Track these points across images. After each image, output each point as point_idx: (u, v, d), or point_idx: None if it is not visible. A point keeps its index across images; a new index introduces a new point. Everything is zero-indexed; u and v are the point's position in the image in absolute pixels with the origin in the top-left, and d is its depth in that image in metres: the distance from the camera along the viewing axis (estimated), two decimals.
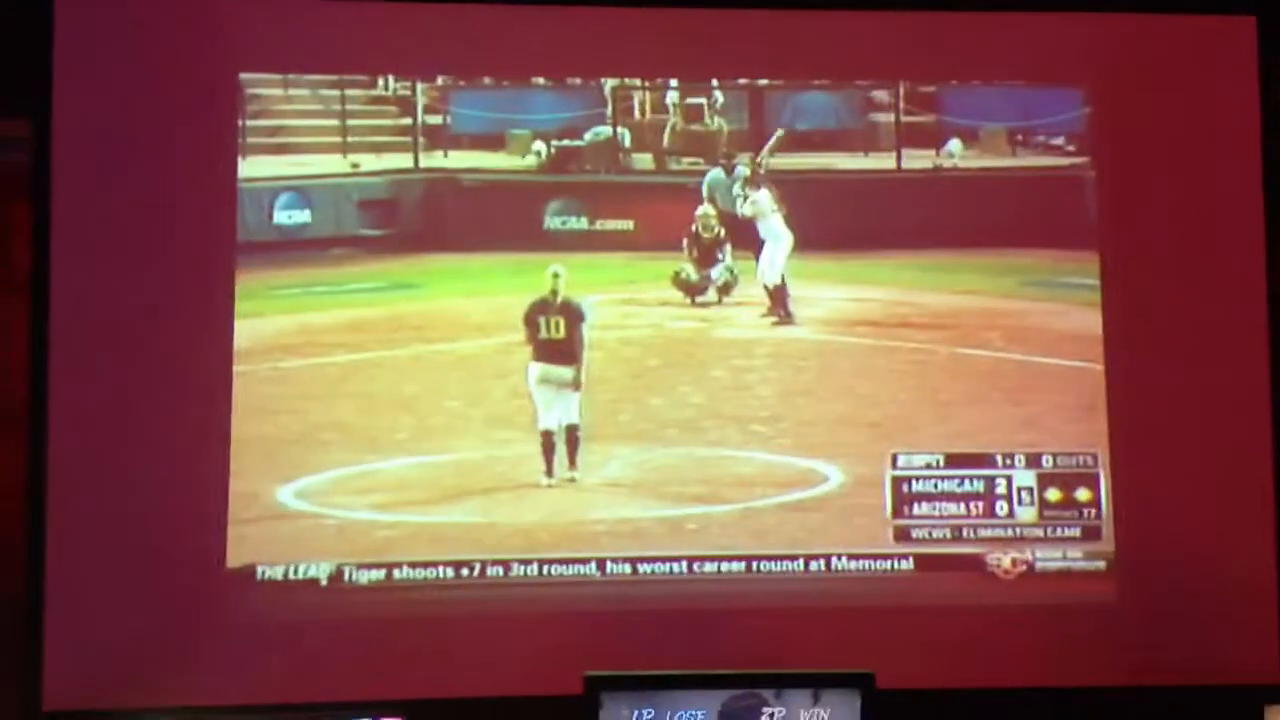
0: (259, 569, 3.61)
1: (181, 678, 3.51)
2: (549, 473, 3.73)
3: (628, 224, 3.90)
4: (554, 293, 3.79)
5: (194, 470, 3.59)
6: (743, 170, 3.91)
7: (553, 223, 3.88)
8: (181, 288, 3.63)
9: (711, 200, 3.93)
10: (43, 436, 3.53)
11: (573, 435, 3.76)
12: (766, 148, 3.90)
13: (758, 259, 3.92)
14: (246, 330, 3.66)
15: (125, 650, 3.51)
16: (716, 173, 3.93)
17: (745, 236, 3.93)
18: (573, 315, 3.79)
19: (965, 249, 3.91)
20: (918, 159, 3.93)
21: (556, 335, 3.78)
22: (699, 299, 3.92)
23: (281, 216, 3.81)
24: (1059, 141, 3.93)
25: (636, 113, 3.99)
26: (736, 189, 3.93)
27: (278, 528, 3.62)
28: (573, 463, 3.75)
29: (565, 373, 3.78)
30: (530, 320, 3.78)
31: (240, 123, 3.73)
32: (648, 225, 3.92)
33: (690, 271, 3.92)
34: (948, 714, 3.63)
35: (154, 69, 3.64)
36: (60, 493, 3.51)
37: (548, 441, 3.75)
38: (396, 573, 3.63)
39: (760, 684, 3.33)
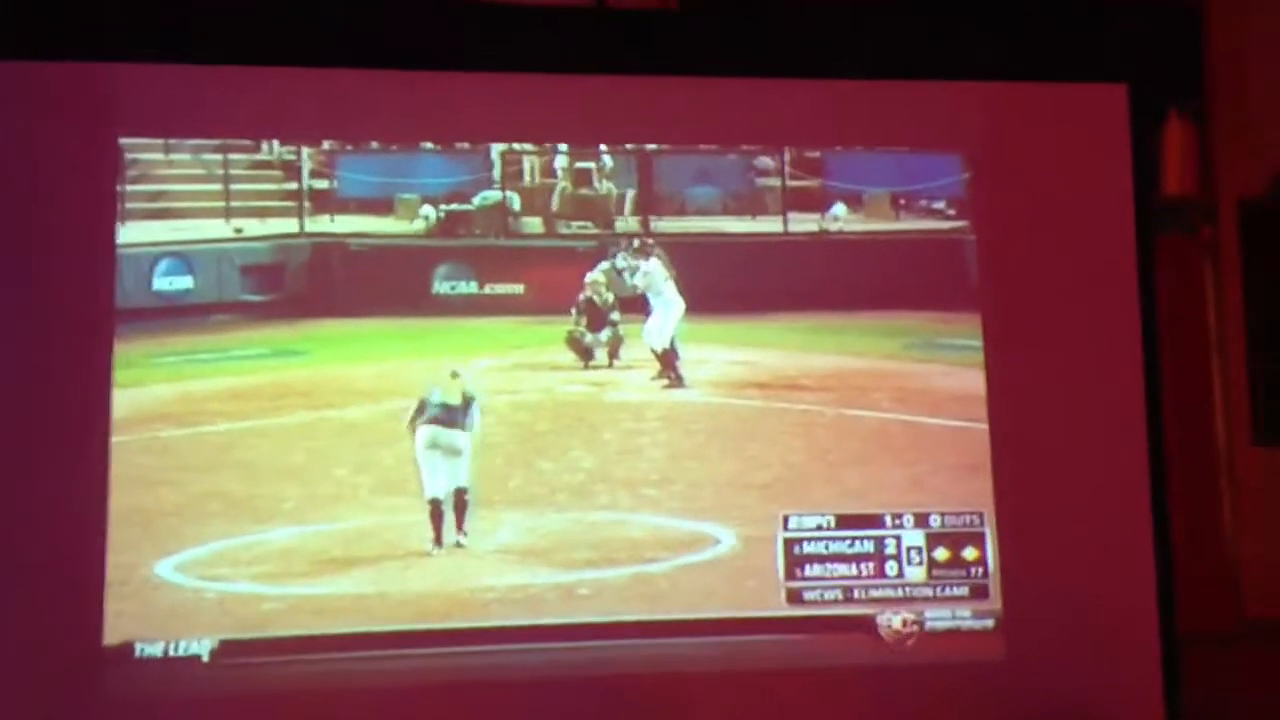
0: (137, 646, 3.50)
1: None
2: (438, 541, 3.69)
3: (518, 288, 3.89)
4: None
5: (69, 543, 3.49)
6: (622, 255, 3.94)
7: (442, 287, 3.86)
8: (59, 355, 3.54)
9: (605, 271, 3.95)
10: None
11: (461, 499, 3.72)
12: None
13: (645, 323, 3.94)
14: (125, 399, 3.58)
15: None
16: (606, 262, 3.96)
17: (636, 301, 3.94)
18: (466, 399, 3.77)
19: (851, 311, 3.96)
20: (804, 222, 3.98)
21: (451, 401, 3.75)
22: (591, 363, 3.92)
23: (162, 283, 3.74)
24: (940, 205, 4.01)
25: (525, 177, 3.99)
26: (622, 262, 3.95)
27: (157, 602, 3.52)
28: (460, 527, 3.70)
29: (456, 437, 3.74)
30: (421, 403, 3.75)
31: (120, 187, 3.66)
32: (538, 289, 3.91)
33: (584, 333, 3.93)
34: None
35: (31, 132, 3.57)
36: None
37: (435, 510, 3.70)
38: (281, 647, 3.55)
39: None
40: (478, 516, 3.70)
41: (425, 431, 3.74)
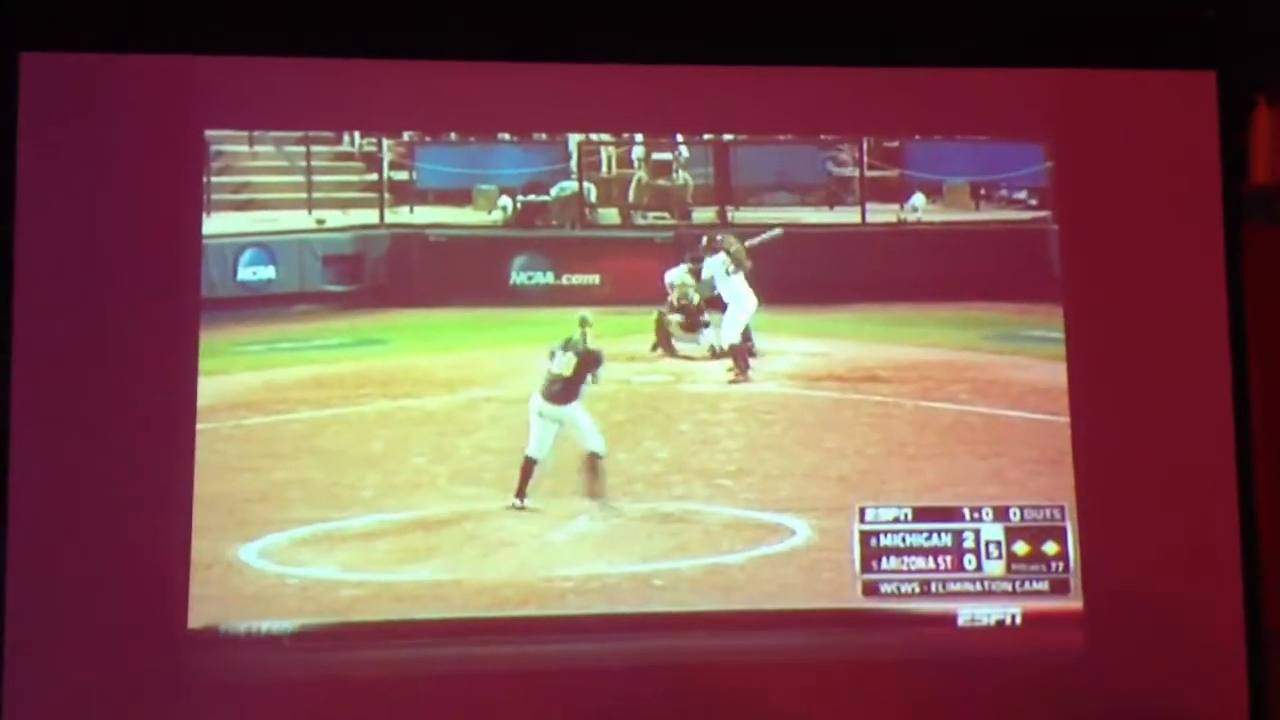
0: (221, 629, 3.57)
1: None
2: (520, 495, 3.72)
3: (594, 278, 3.91)
4: (582, 337, 3.79)
5: (155, 529, 3.55)
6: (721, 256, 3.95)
7: (519, 278, 3.89)
8: (146, 345, 3.61)
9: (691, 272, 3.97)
10: (2, 499, 3.50)
11: (594, 462, 3.74)
12: (759, 240, 3.93)
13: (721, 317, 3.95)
14: (210, 387, 3.64)
15: (87, 713, 3.47)
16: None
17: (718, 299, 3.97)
18: (586, 361, 3.79)
19: (930, 302, 3.93)
20: (882, 213, 3.96)
21: (563, 372, 3.77)
22: (676, 354, 3.95)
23: (246, 273, 3.81)
24: (1021, 195, 3.97)
25: (603, 168, 4.01)
26: (696, 264, 3.96)
27: (240, 586, 3.58)
28: (594, 492, 3.72)
29: (563, 411, 3.77)
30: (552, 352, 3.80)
31: (206, 179, 3.73)
32: (614, 280, 3.93)
33: (677, 325, 3.97)
34: None
35: (119, 126, 3.64)
36: (20, 553, 3.48)
37: (527, 467, 3.73)
38: (361, 632, 3.59)
39: None
40: (556, 504, 3.73)
41: (534, 400, 3.78)
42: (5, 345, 3.55)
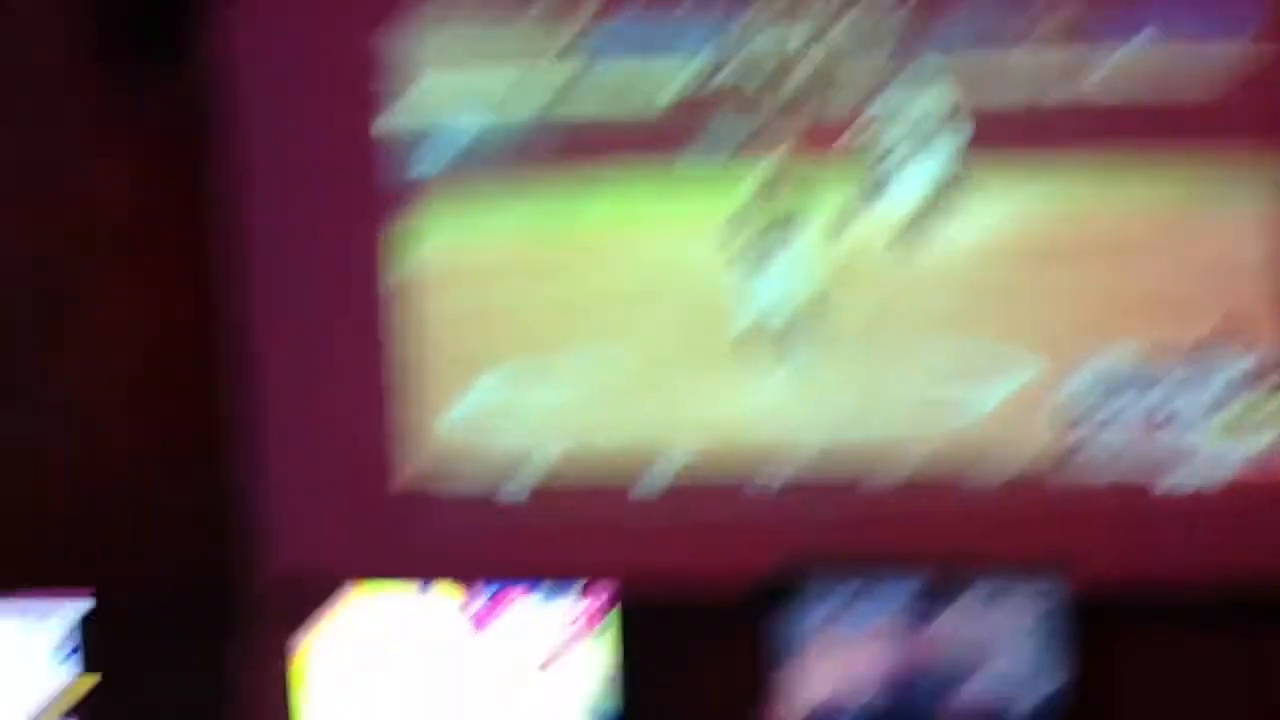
0: (427, 491, 3.72)
1: (372, 576, 3.60)
2: (738, 348, 3.74)
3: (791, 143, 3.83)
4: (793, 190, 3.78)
5: (361, 396, 3.72)
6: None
7: (718, 140, 3.81)
8: (348, 211, 3.73)
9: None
10: (218, 369, 3.71)
11: (810, 312, 3.74)
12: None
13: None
14: (413, 254, 3.73)
15: (317, 550, 3.71)
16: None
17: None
18: (795, 213, 3.78)
19: (1171, 143, 3.75)
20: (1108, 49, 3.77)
21: (779, 224, 3.77)
22: (884, 204, 3.91)
23: (456, 134, 3.81)
24: None
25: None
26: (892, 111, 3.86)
27: (449, 449, 3.72)
28: (785, 349, 3.76)
29: (775, 263, 3.78)
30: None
31: (417, 41, 3.74)
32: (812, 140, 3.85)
33: (876, 175, 3.91)
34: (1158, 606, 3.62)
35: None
36: (261, 402, 3.70)
37: (743, 321, 3.74)
38: (574, 489, 3.70)
39: (956, 573, 3.38)
40: (770, 358, 3.75)
41: (748, 254, 3.77)
42: (221, 222, 3.71)
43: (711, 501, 3.70)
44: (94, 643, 3.41)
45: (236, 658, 3.57)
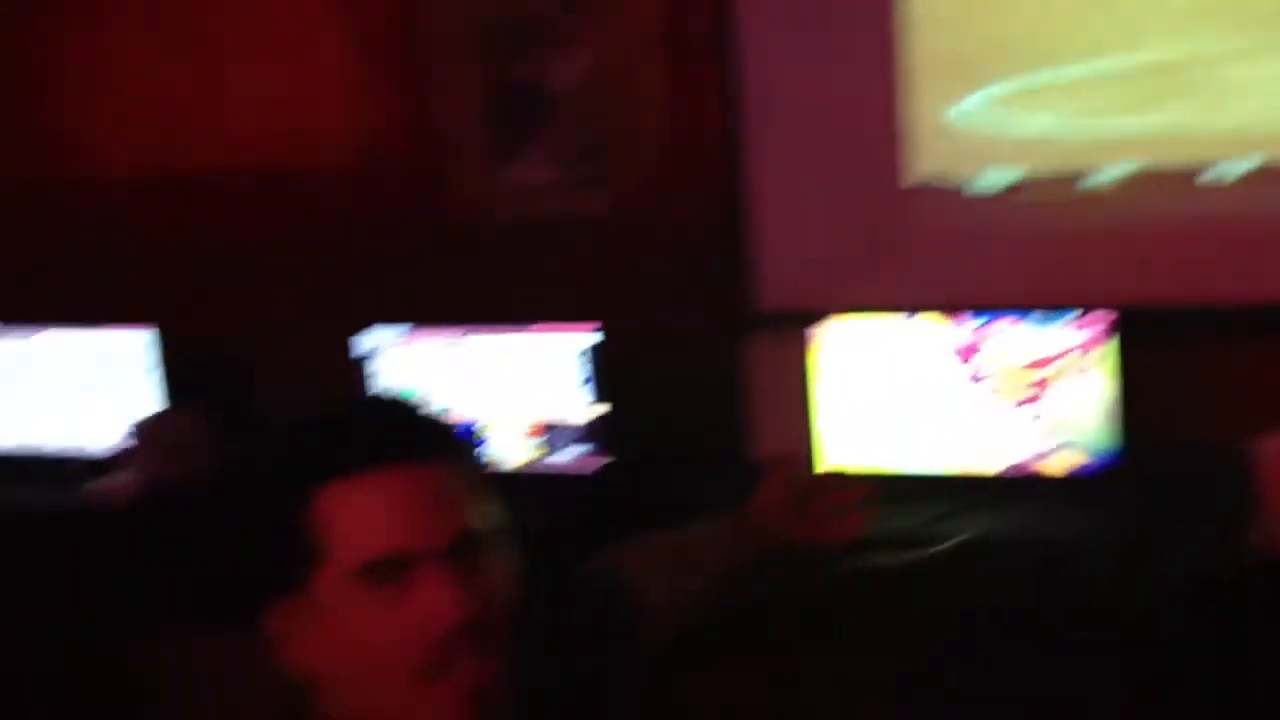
0: (936, 184, 3.63)
1: (872, 283, 3.66)
2: None
3: None
4: None
5: (866, 90, 3.63)
6: None
7: None
8: None
9: None
10: (735, 62, 3.69)
11: None
12: None
13: None
14: None
15: (822, 259, 3.71)
16: None
17: None
18: None
19: None
20: None
21: None
22: None
23: None
24: None
25: None
26: None
27: (953, 142, 3.60)
28: None
29: None
30: None
31: None
32: None
33: None
34: None
35: None
36: (758, 108, 3.69)
37: None
38: (1083, 181, 3.53)
39: None
40: None
41: None
42: None
43: (1217, 225, 3.44)
44: (605, 373, 3.67)
45: (742, 379, 3.72)
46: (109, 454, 3.70)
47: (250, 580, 1.46)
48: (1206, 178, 3.46)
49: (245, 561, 1.48)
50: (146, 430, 3.64)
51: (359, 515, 1.39)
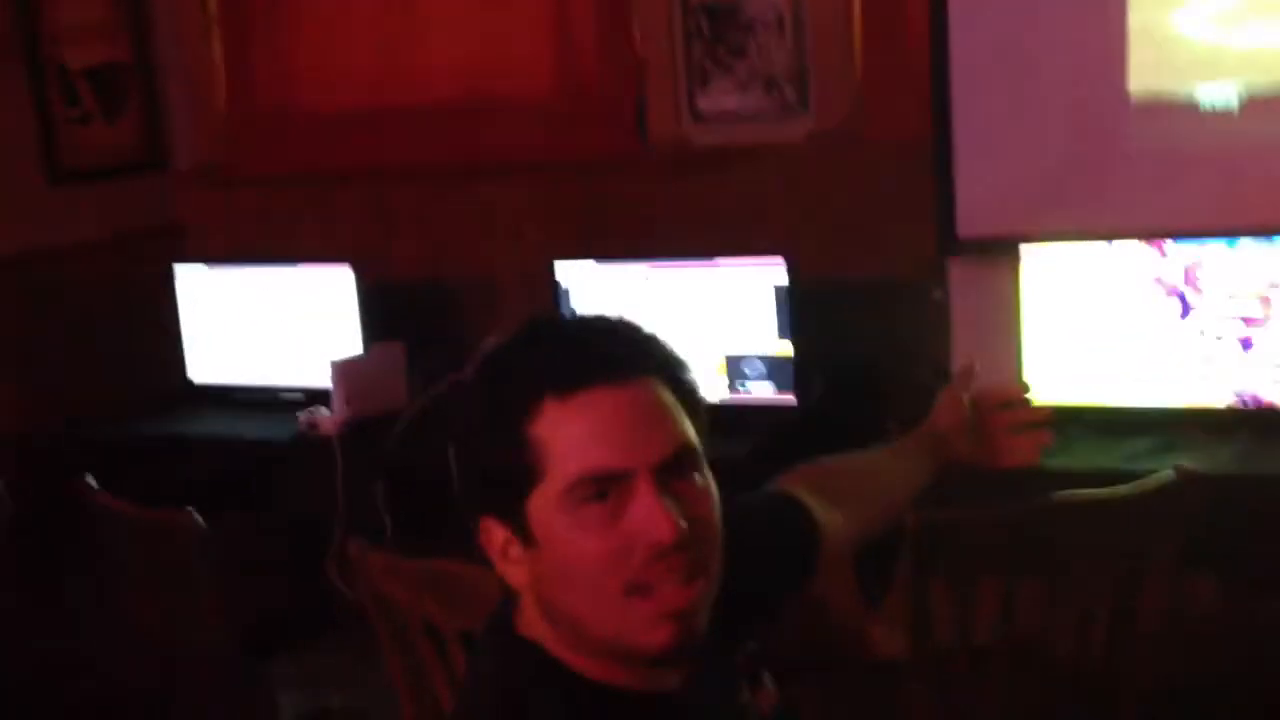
0: (1162, 95, 3.47)
1: (1082, 206, 3.52)
2: None
3: None
4: None
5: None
6: None
7: None
8: None
9: None
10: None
11: None
12: None
13: None
14: None
15: (1027, 182, 3.58)
16: None
17: None
18: None
19: None
20: None
21: None
22: None
23: None
24: None
25: None
26: None
27: (1180, 53, 3.43)
28: None
29: None
30: None
31: None
32: None
33: None
34: None
35: None
36: (961, 29, 3.56)
37: None
38: None
39: None
40: None
41: None
42: None
43: None
44: (798, 308, 3.63)
45: (943, 313, 3.63)
46: (316, 389, 3.82)
47: (471, 495, 1.48)
48: None
49: (469, 476, 1.48)
50: (348, 367, 3.76)
51: (576, 431, 1.39)
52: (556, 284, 3.83)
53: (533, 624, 1.48)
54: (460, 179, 4.31)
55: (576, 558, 1.40)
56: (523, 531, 1.43)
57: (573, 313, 3.63)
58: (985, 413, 2.06)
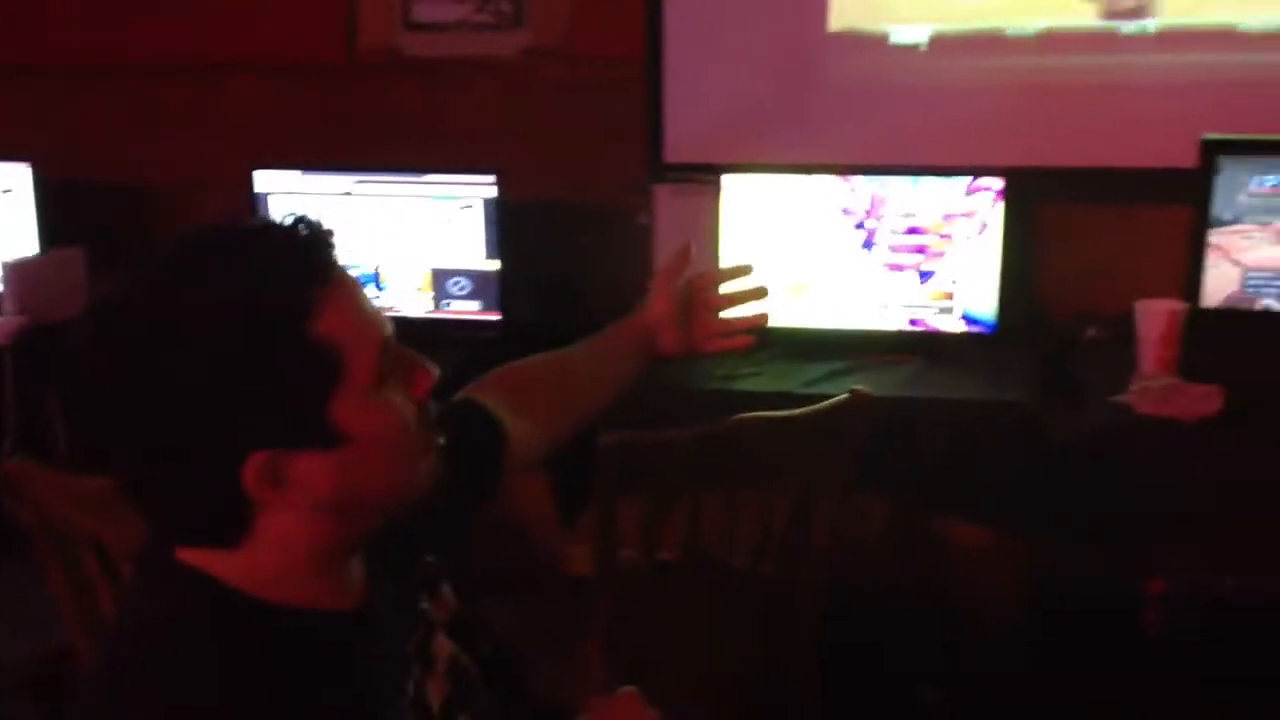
0: (860, 31, 3.60)
1: (783, 137, 3.64)
2: None
3: None
4: None
5: None
6: None
7: None
8: None
9: None
10: None
11: None
12: None
13: None
14: None
15: (732, 113, 3.68)
16: None
17: None
18: None
19: None
20: None
21: None
22: None
23: None
24: None
25: None
26: None
27: None
28: None
29: None
30: None
31: None
32: None
33: None
34: None
35: None
36: None
37: None
38: (1001, 35, 3.51)
39: None
40: None
41: None
42: None
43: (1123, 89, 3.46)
44: (506, 225, 3.63)
45: (646, 234, 3.69)
46: None
47: (222, 440, 1.32)
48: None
49: (223, 415, 1.31)
50: (21, 269, 3.56)
51: (351, 317, 1.36)
52: (255, 192, 3.71)
53: (206, 557, 1.38)
54: (158, 79, 4.11)
55: (400, 431, 1.40)
56: (322, 438, 1.34)
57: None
58: (699, 293, 2.05)
